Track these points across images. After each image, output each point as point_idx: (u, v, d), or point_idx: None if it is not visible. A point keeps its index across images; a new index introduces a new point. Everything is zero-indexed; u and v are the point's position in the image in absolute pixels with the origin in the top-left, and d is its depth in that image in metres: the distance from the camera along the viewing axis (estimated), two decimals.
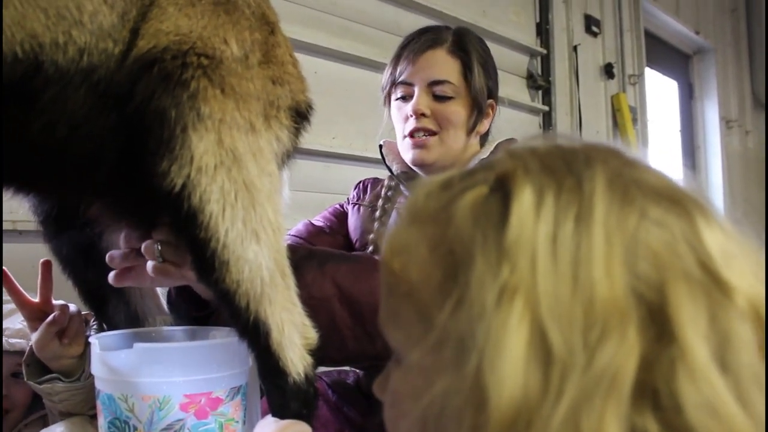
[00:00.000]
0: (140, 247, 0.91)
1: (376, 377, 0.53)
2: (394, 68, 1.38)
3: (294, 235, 1.42)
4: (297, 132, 0.90)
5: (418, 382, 0.44)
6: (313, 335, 0.86)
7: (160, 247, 0.86)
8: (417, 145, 1.34)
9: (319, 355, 0.88)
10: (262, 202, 0.80)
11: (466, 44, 1.36)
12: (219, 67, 0.78)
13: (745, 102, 5.47)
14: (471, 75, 1.34)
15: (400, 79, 1.36)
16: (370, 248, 1.40)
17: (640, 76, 4.13)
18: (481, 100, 1.36)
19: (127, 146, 0.77)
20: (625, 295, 0.38)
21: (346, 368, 1.52)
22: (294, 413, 0.82)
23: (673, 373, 0.37)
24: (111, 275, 0.93)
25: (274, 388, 0.83)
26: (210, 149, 0.76)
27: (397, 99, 1.38)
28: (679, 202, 0.42)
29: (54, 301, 1.04)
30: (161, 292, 1.07)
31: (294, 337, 0.83)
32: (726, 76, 5.25)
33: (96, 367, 0.86)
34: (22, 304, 1.04)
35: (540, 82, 3.36)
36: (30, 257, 1.10)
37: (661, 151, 4.66)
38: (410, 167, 1.42)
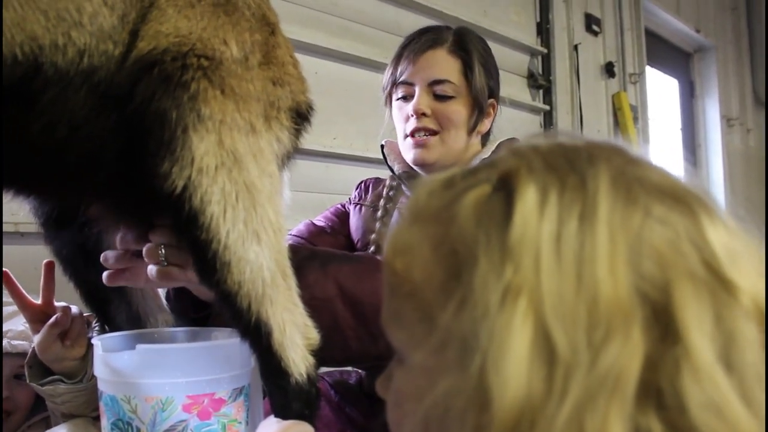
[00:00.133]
0: (135, 249, 0.91)
1: (378, 377, 0.52)
2: (395, 68, 1.38)
3: (295, 236, 1.42)
4: (297, 133, 0.90)
5: (421, 383, 0.44)
6: (314, 335, 0.86)
7: (164, 251, 0.87)
8: (418, 145, 1.34)
9: (322, 355, 0.88)
10: (262, 202, 0.80)
11: (466, 44, 1.36)
12: (219, 68, 0.78)
13: (746, 100, 5.47)
14: (472, 74, 1.34)
15: (400, 79, 1.36)
16: (372, 248, 1.40)
17: (641, 74, 4.13)
18: (482, 100, 1.36)
19: (128, 147, 0.77)
20: (630, 294, 0.38)
21: (349, 368, 1.52)
22: (296, 414, 0.82)
23: (678, 373, 0.37)
24: (105, 275, 0.93)
25: (276, 389, 0.83)
26: (211, 150, 0.76)
27: (398, 99, 1.38)
28: (683, 200, 0.42)
29: (56, 303, 1.04)
30: (161, 293, 1.07)
31: (296, 337, 0.83)
32: (727, 74, 5.24)
33: (99, 369, 0.86)
34: (24, 306, 1.03)
35: (541, 82, 3.36)
36: (32, 259, 1.10)
37: (662, 150, 4.66)
38: (412, 167, 1.42)
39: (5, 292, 1.04)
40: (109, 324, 1.03)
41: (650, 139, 4.22)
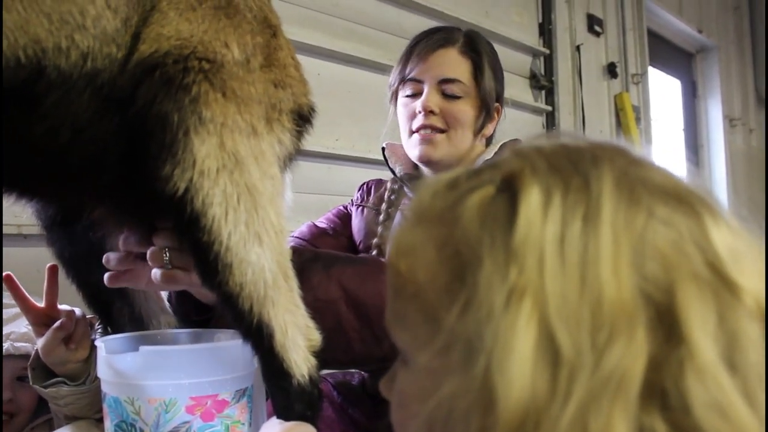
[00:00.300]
0: (137, 251, 0.91)
1: (382, 378, 0.52)
2: (404, 65, 1.37)
3: (297, 237, 1.42)
4: (299, 135, 0.91)
5: (425, 384, 0.44)
6: (316, 337, 0.86)
7: (168, 254, 0.87)
8: (424, 141, 1.34)
9: (325, 357, 0.88)
10: (264, 205, 0.80)
11: (477, 45, 1.37)
12: (220, 71, 0.78)
13: (749, 100, 5.46)
14: (482, 76, 1.34)
15: (410, 76, 1.35)
16: (374, 252, 1.40)
17: (643, 75, 4.13)
18: (490, 102, 1.37)
19: (130, 150, 0.77)
20: (633, 296, 0.38)
21: (352, 370, 1.52)
22: (298, 415, 0.82)
23: (682, 374, 0.37)
24: (106, 276, 0.94)
25: (278, 390, 0.83)
26: (212, 153, 0.76)
27: (405, 96, 1.38)
28: (686, 201, 0.42)
29: (60, 306, 1.04)
30: (163, 295, 1.07)
31: (297, 338, 0.83)
32: (729, 75, 5.24)
33: (102, 371, 0.86)
34: (28, 309, 1.03)
35: (543, 82, 3.35)
36: (35, 261, 1.10)
37: (665, 150, 4.65)
38: (414, 169, 1.42)
39: (8, 294, 1.04)
40: (111, 326, 1.03)
41: (653, 140, 4.21)
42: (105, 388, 0.86)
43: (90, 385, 1.06)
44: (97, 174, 0.80)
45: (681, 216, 0.41)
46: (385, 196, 1.46)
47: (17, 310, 1.08)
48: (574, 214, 0.40)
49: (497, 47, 1.45)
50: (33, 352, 1.08)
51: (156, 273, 0.88)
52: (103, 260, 0.93)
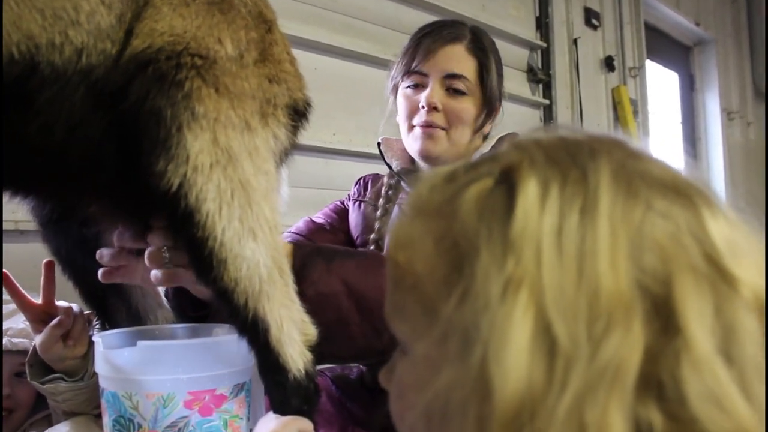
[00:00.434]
0: (131, 247, 0.91)
1: (381, 369, 0.53)
2: (411, 57, 1.36)
3: (294, 233, 1.42)
4: (295, 129, 0.90)
5: (423, 374, 0.45)
6: (312, 331, 0.86)
7: (167, 253, 0.87)
8: (426, 136, 1.33)
9: (327, 352, 0.89)
10: (258, 200, 0.80)
11: (483, 44, 1.37)
12: (213, 67, 0.78)
13: (747, 93, 5.46)
14: (488, 75, 1.34)
15: (416, 68, 1.34)
16: (372, 247, 1.40)
17: (641, 68, 4.12)
18: (493, 102, 1.37)
19: (124, 147, 0.77)
20: (630, 287, 0.39)
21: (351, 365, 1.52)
22: (295, 409, 0.82)
23: (678, 365, 0.38)
24: (100, 272, 0.94)
25: (275, 385, 0.83)
26: (205, 148, 0.76)
27: (407, 87, 1.37)
28: (684, 194, 0.42)
29: (57, 303, 1.04)
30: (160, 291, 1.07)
31: (293, 333, 0.83)
32: (727, 68, 5.23)
33: (100, 366, 0.86)
34: (25, 306, 1.03)
35: (540, 76, 3.35)
36: (32, 257, 1.10)
37: (663, 144, 4.65)
38: (410, 163, 1.42)
39: (5, 290, 1.04)
40: (109, 322, 1.03)
41: (650, 133, 4.21)
42: (103, 383, 0.86)
43: (88, 381, 1.06)
44: (92, 171, 0.80)
45: (679, 208, 0.41)
46: (382, 191, 1.46)
47: (15, 306, 1.08)
48: (571, 206, 0.41)
49: (495, 41, 1.45)
50: (31, 348, 1.08)
51: (157, 273, 0.88)
52: (97, 256, 0.94)
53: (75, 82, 0.73)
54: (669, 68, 4.91)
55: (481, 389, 0.39)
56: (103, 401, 0.86)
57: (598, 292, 0.38)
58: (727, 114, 5.16)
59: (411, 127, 1.36)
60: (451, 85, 1.33)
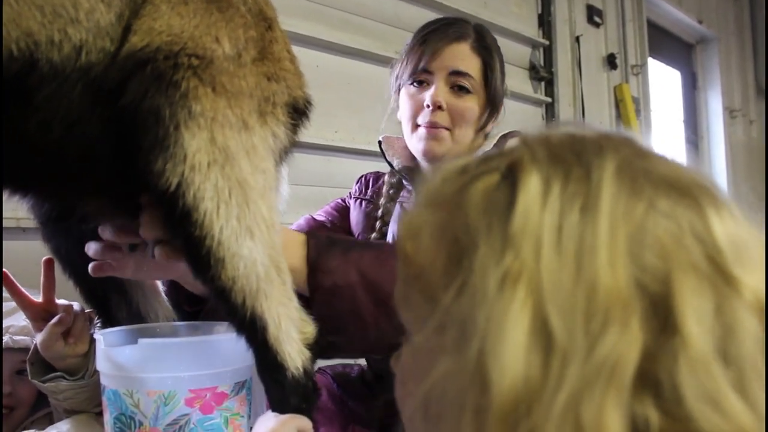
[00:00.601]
0: (113, 240, 0.90)
1: (383, 362, 0.54)
2: (418, 56, 1.35)
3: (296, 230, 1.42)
4: (295, 128, 0.90)
5: (422, 363, 0.45)
6: (310, 329, 0.86)
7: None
8: (431, 136, 1.33)
9: (341, 344, 0.89)
10: (255, 199, 0.80)
11: (487, 43, 1.37)
12: (210, 66, 0.78)
13: (749, 91, 5.45)
14: (492, 74, 1.34)
15: (422, 67, 1.34)
16: None
17: (643, 66, 4.12)
18: (497, 102, 1.36)
19: (122, 144, 0.77)
20: (629, 286, 0.39)
21: (350, 362, 1.52)
22: (294, 408, 0.82)
23: (675, 365, 0.37)
24: (90, 266, 0.94)
25: (273, 383, 0.83)
26: (203, 147, 0.76)
27: (411, 85, 1.36)
28: (690, 194, 0.42)
29: (58, 301, 1.04)
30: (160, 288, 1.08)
31: (291, 331, 0.83)
32: (729, 66, 5.22)
33: (101, 363, 0.86)
34: (25, 304, 1.03)
35: (542, 74, 3.35)
36: (33, 254, 1.10)
37: (665, 142, 4.65)
38: (412, 162, 1.42)
39: (4, 289, 1.04)
40: (110, 321, 1.03)
41: (652, 131, 4.21)
42: (104, 380, 0.86)
43: (89, 380, 1.06)
44: (89, 168, 0.80)
45: (683, 208, 0.41)
46: (384, 190, 1.46)
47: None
48: (572, 204, 0.41)
49: (496, 38, 1.44)
50: (32, 346, 1.07)
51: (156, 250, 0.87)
52: (85, 249, 0.93)
53: (74, 80, 0.73)
54: (671, 66, 4.90)
55: (478, 382, 0.39)
56: (104, 399, 0.86)
57: (595, 289, 0.38)
58: (730, 112, 5.15)
59: (415, 127, 1.35)
60: (456, 82, 1.32)
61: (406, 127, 1.38)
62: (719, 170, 4.95)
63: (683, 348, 0.37)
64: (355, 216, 1.48)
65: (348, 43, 2.39)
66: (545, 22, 3.41)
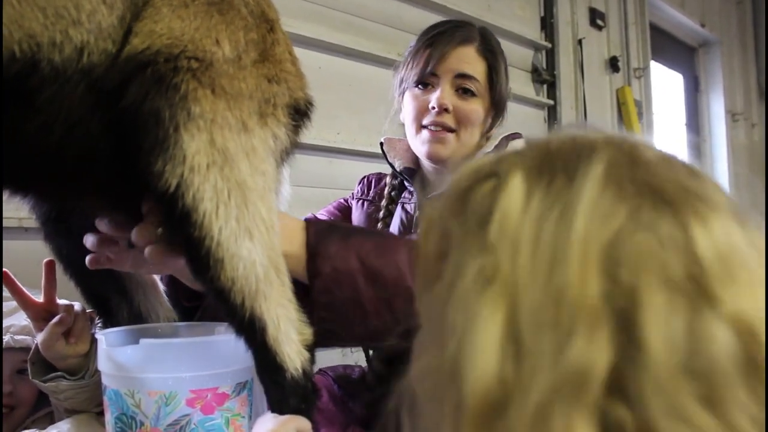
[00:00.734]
0: (111, 234, 0.90)
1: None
2: (425, 62, 1.35)
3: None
4: (296, 129, 0.91)
5: (416, 351, 0.46)
6: (309, 331, 0.86)
7: (161, 230, 0.86)
8: (435, 139, 1.33)
9: (342, 332, 0.89)
10: (254, 200, 0.80)
11: (492, 46, 1.37)
12: (209, 69, 0.79)
13: (751, 95, 5.44)
14: (497, 78, 1.35)
15: (429, 70, 1.33)
16: None
17: (646, 69, 4.12)
18: (502, 104, 1.37)
19: (122, 146, 0.77)
20: (598, 298, 0.38)
21: (352, 363, 1.52)
22: (293, 409, 0.82)
23: (641, 381, 0.37)
24: (87, 258, 0.93)
25: (273, 384, 0.83)
26: (202, 149, 0.77)
27: (416, 87, 1.36)
28: (675, 203, 0.41)
29: (59, 301, 1.04)
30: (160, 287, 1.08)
31: (290, 332, 0.83)
32: (732, 69, 5.22)
33: (102, 363, 0.86)
34: (26, 304, 1.03)
35: (545, 76, 3.35)
36: (36, 254, 1.10)
37: (667, 145, 4.64)
38: (414, 163, 1.42)
39: (4, 288, 1.04)
40: (110, 321, 1.03)
41: (655, 134, 4.20)
42: (105, 380, 0.86)
43: (89, 380, 1.06)
44: (90, 170, 0.80)
45: (666, 219, 0.40)
46: (385, 192, 1.46)
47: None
48: (551, 211, 0.41)
49: (499, 41, 1.44)
50: (33, 346, 1.08)
51: (148, 250, 0.86)
52: (84, 240, 0.93)
53: (75, 81, 0.74)
54: (674, 69, 4.90)
55: (455, 379, 0.40)
56: (105, 399, 0.86)
57: (565, 301, 0.38)
58: (732, 115, 5.14)
59: (419, 128, 1.35)
60: (461, 84, 1.32)
61: (410, 128, 1.38)
62: (721, 173, 4.94)
63: (648, 364, 0.37)
64: (357, 217, 1.48)
65: (350, 44, 2.39)
66: (548, 24, 3.41)
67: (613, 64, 3.87)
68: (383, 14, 2.55)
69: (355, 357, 2.06)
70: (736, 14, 5.39)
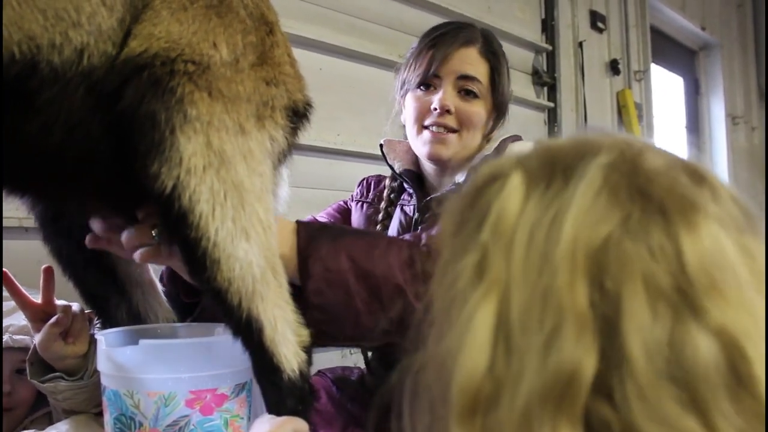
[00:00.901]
0: (104, 235, 0.90)
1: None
2: (428, 60, 1.34)
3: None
4: (294, 131, 0.91)
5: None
6: (305, 333, 0.86)
7: (156, 230, 0.86)
8: (437, 140, 1.33)
9: (334, 332, 0.89)
10: (251, 201, 0.80)
11: (494, 48, 1.37)
12: (206, 72, 0.79)
13: (751, 98, 5.44)
14: (499, 79, 1.35)
15: (432, 72, 1.33)
16: None
17: (646, 72, 4.12)
18: (504, 106, 1.37)
19: (120, 148, 0.78)
20: (586, 304, 0.39)
21: (350, 365, 1.52)
22: (290, 410, 0.83)
23: (624, 387, 0.38)
24: (87, 237, 0.93)
25: (270, 386, 0.83)
26: (198, 151, 0.77)
27: (418, 87, 1.36)
28: (669, 214, 0.41)
29: (57, 302, 1.04)
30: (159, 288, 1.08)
31: (287, 333, 0.83)
32: (732, 72, 5.22)
33: (102, 364, 0.86)
34: (25, 305, 1.04)
35: (545, 79, 3.35)
36: (36, 254, 1.10)
37: (667, 148, 4.64)
38: (414, 165, 1.42)
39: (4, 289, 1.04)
40: (109, 322, 1.03)
41: (655, 137, 4.20)
42: (104, 381, 0.86)
43: (88, 381, 1.06)
44: (89, 171, 0.80)
45: (657, 227, 0.40)
46: (385, 194, 1.46)
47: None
48: (545, 215, 0.42)
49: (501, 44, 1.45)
50: (32, 346, 1.08)
51: (141, 251, 0.87)
52: (90, 222, 0.92)
53: (75, 83, 0.74)
54: (674, 72, 4.90)
55: (447, 370, 0.41)
56: (104, 399, 0.86)
57: (551, 303, 0.39)
58: (732, 119, 5.14)
59: (421, 129, 1.35)
60: (464, 86, 1.32)
61: (411, 129, 1.38)
62: (721, 176, 4.92)
63: (630, 372, 0.38)
64: (356, 218, 1.48)
65: (351, 46, 2.39)
66: (548, 27, 3.41)
67: (613, 67, 3.87)
68: (384, 16, 2.55)
69: (353, 359, 2.07)
70: (737, 17, 5.39)
